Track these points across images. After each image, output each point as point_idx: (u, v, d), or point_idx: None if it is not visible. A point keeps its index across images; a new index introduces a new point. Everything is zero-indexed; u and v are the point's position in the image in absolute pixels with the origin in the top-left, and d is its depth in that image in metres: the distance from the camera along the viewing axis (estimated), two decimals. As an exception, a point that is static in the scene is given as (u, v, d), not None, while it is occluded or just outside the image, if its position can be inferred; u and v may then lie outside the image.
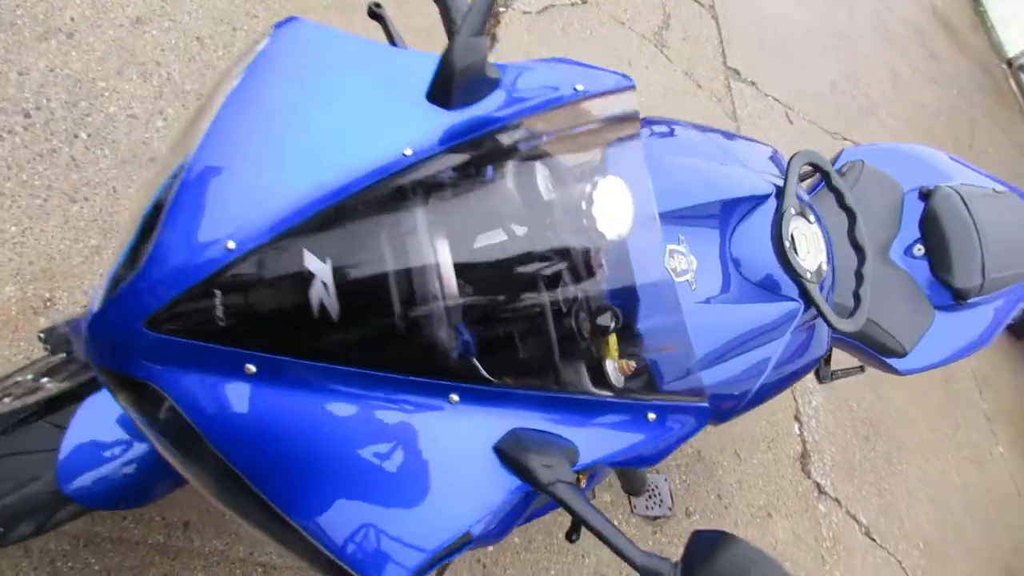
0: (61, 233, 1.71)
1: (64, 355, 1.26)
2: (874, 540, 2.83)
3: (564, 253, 0.88)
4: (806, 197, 1.39)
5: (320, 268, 0.76)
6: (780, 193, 1.23)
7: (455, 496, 0.77)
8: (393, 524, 0.75)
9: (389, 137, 0.83)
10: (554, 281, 0.88)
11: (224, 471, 0.76)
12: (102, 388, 1.01)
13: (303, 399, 0.76)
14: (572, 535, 1.07)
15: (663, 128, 1.35)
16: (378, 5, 1.14)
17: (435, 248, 0.81)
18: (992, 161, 5.31)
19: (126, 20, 2.00)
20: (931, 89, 5.36)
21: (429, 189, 0.83)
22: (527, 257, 0.87)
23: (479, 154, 0.87)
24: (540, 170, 0.89)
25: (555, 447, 0.79)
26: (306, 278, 0.76)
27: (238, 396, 0.76)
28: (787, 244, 1.17)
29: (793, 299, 1.25)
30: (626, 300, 0.91)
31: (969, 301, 1.67)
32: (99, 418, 0.98)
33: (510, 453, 0.77)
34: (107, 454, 0.97)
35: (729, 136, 1.43)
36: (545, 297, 0.86)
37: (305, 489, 0.75)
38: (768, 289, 1.23)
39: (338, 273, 0.76)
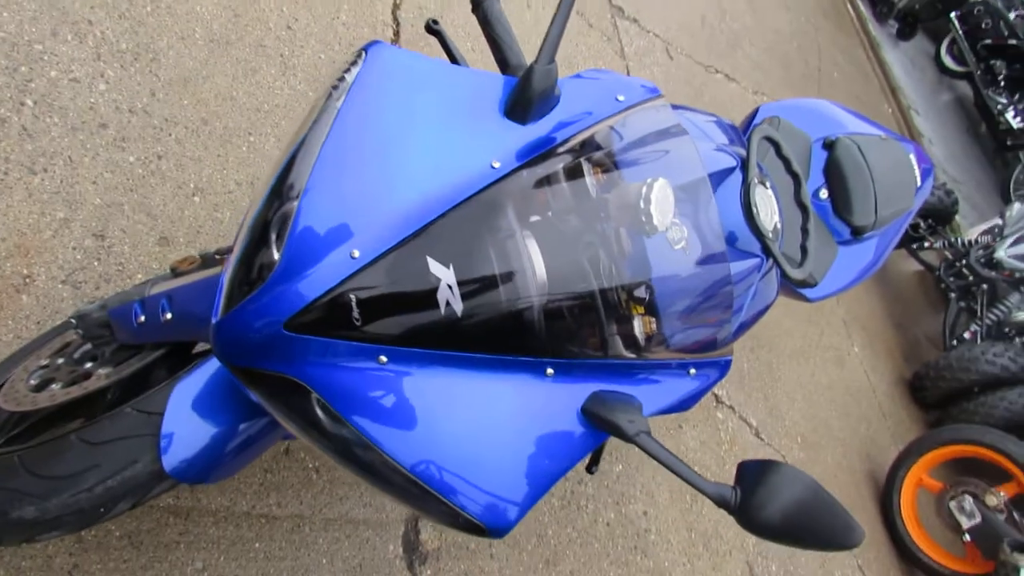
0: (27, 207, 1.70)
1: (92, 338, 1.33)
2: (762, 439, 3.32)
3: (622, 245, 1.07)
4: (762, 166, 1.64)
5: (445, 273, 0.92)
6: (744, 165, 1.47)
7: (552, 451, 0.98)
8: (504, 477, 0.95)
9: (477, 152, 0.99)
10: (613, 268, 1.07)
11: (359, 443, 0.92)
12: (188, 372, 1.12)
13: (428, 381, 0.94)
14: (591, 467, 1.30)
15: None
16: (435, 21, 1.25)
17: (528, 248, 0.98)
18: (837, 83, 5.90)
19: (50, -24, 1.92)
20: (784, 15, 5.82)
21: (518, 196, 0.99)
22: (595, 250, 1.05)
23: (555, 163, 1.04)
24: (606, 174, 1.07)
25: (629, 404, 1.00)
26: (433, 282, 0.92)
27: (374, 383, 0.92)
28: (753, 209, 1.40)
29: (757, 255, 1.51)
30: (681, 281, 1.12)
31: (864, 236, 2.03)
32: (193, 401, 1.10)
33: (597, 412, 0.98)
34: (205, 434, 1.09)
35: (692, 111, 1.65)
36: (609, 281, 1.05)
37: (431, 453, 0.93)
38: (732, 245, 1.49)
39: (460, 276, 0.93)
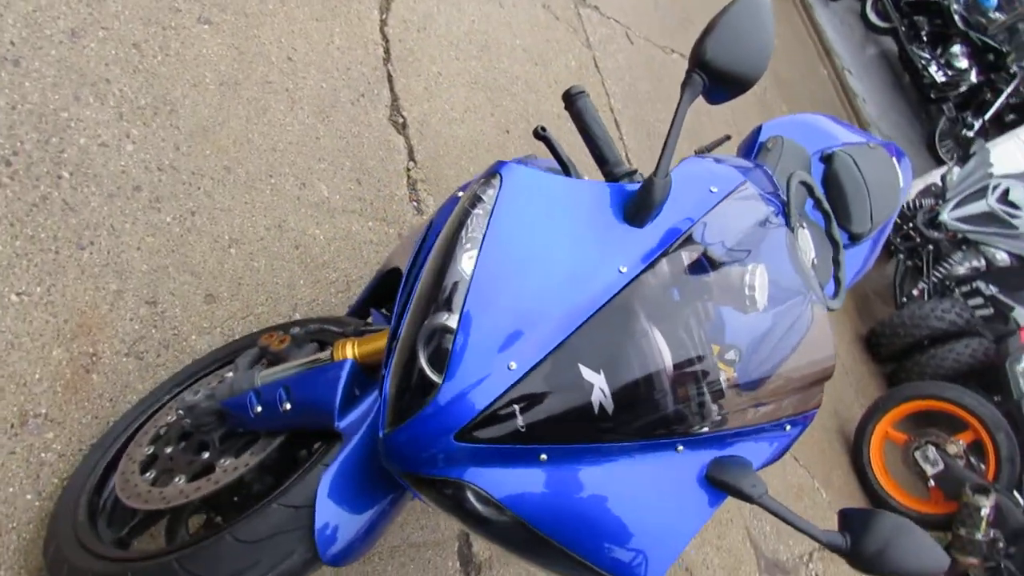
0: (82, 284, 1.70)
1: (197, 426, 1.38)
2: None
3: (727, 325, 1.19)
4: (799, 212, 1.77)
5: (596, 378, 1.03)
6: (785, 211, 1.59)
7: (685, 515, 1.11)
8: (648, 543, 1.07)
9: (605, 260, 1.09)
10: (725, 349, 1.19)
11: (525, 531, 1.03)
12: (328, 462, 1.19)
13: (583, 470, 1.05)
14: None
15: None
16: (544, 129, 1.32)
17: (657, 342, 1.09)
18: (779, 52, 6.10)
19: (63, 35, 1.88)
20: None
21: (645, 296, 1.10)
22: (706, 331, 1.16)
23: (671, 261, 1.13)
24: (711, 263, 1.17)
25: (746, 468, 1.13)
26: (587, 388, 1.02)
27: (536, 479, 1.03)
28: (796, 255, 1.53)
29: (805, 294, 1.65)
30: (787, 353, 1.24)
31: (860, 241, 2.20)
32: (340, 490, 1.18)
33: (721, 479, 1.11)
34: (358, 520, 1.18)
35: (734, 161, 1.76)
36: (724, 361, 1.17)
37: (588, 532, 1.05)
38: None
39: (610, 379, 1.03)
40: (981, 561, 3.49)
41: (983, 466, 3.70)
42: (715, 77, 1.12)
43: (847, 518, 1.12)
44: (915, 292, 4.68)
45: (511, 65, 3.38)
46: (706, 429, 1.13)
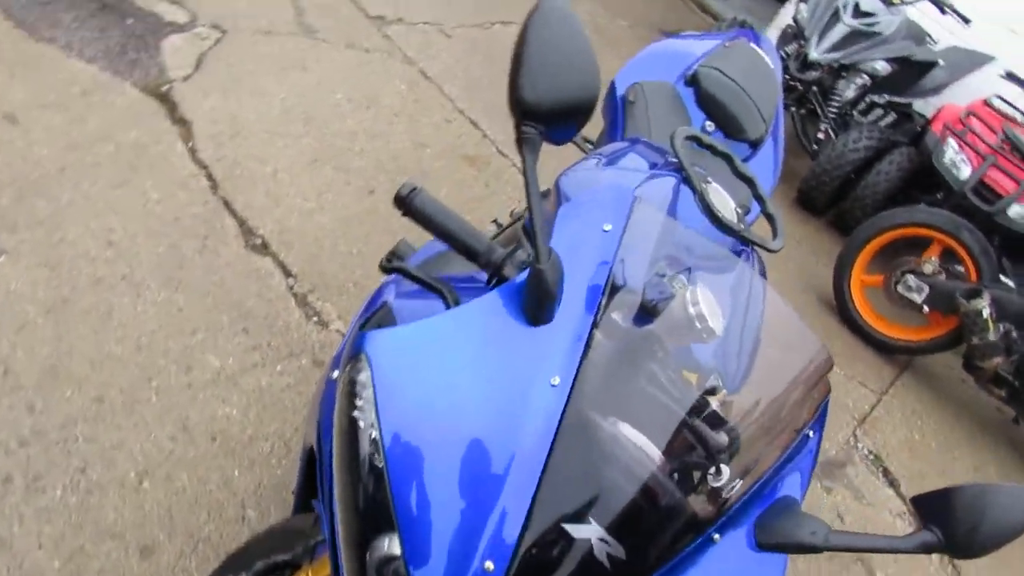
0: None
1: None
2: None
3: (698, 365, 1.00)
4: (698, 166, 1.58)
5: (589, 529, 0.83)
6: (685, 178, 1.41)
7: None
8: None
9: (531, 382, 0.88)
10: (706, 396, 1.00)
11: None
12: None
13: None
14: None
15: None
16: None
17: (632, 439, 0.89)
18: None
19: None
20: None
21: (593, 397, 0.90)
22: (675, 389, 0.97)
23: (602, 340, 0.94)
24: (646, 312, 0.98)
25: (795, 514, 0.96)
26: (584, 546, 0.82)
27: None
28: (717, 212, 1.35)
29: (742, 249, 1.48)
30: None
31: (762, 143, 2.05)
32: None
33: (776, 543, 0.93)
34: None
35: (614, 161, 1.57)
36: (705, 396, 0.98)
37: None
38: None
39: (605, 522, 0.84)
40: (1005, 357, 3.45)
41: (962, 269, 3.65)
42: (548, 120, 0.92)
43: (924, 507, 0.95)
44: (820, 136, 4.61)
45: (343, 123, 3.13)
46: (735, 490, 0.94)
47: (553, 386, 0.88)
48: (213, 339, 2.10)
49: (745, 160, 2.10)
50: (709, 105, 2.06)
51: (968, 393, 4.05)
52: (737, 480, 0.94)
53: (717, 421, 0.98)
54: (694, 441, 0.94)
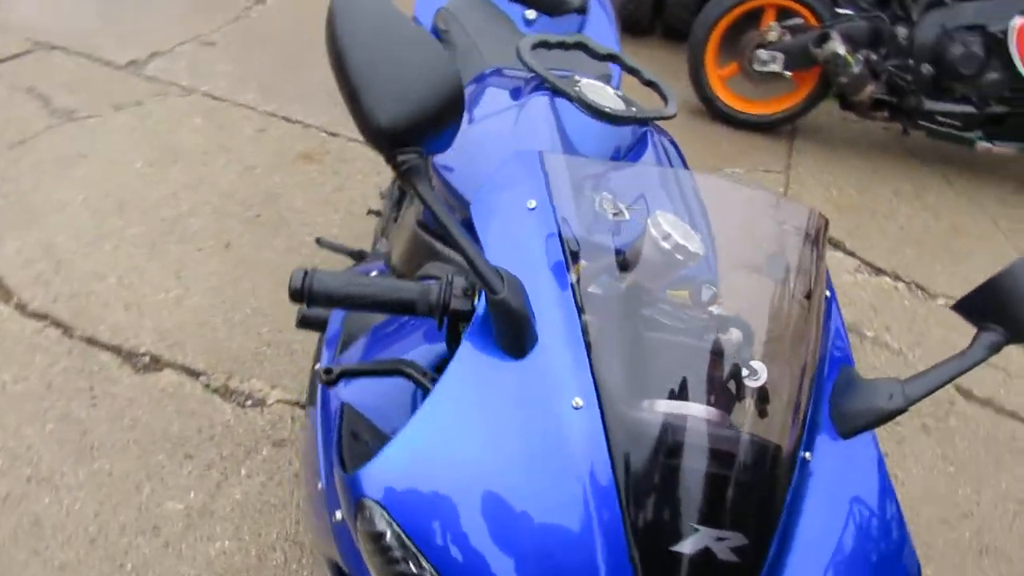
0: None
1: None
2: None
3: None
4: (557, 71, 1.42)
5: (700, 538, 0.71)
6: (553, 89, 1.26)
7: (884, 494, 0.85)
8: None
9: (554, 417, 0.74)
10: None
11: None
12: None
13: None
14: None
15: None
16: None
17: (698, 419, 0.77)
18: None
19: None
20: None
21: (632, 400, 0.77)
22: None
23: (606, 333, 0.80)
24: (633, 263, 0.85)
25: (858, 384, 0.86)
26: (701, 555, 0.71)
27: None
28: (601, 107, 1.22)
29: (643, 128, 1.34)
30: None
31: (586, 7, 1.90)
32: None
33: (857, 424, 0.83)
34: None
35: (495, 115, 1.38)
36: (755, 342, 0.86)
37: None
38: (621, 155, 1.30)
39: (712, 521, 0.72)
40: (874, 82, 3.51)
41: (802, 21, 3.66)
42: (419, 136, 0.73)
43: (971, 310, 0.89)
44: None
45: (157, 190, 2.81)
46: (782, 381, 0.83)
47: (578, 408, 0.75)
48: (162, 485, 1.87)
49: (581, 30, 1.96)
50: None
51: (855, 129, 4.16)
52: (773, 370, 0.83)
53: (724, 323, 0.88)
54: (723, 363, 0.83)
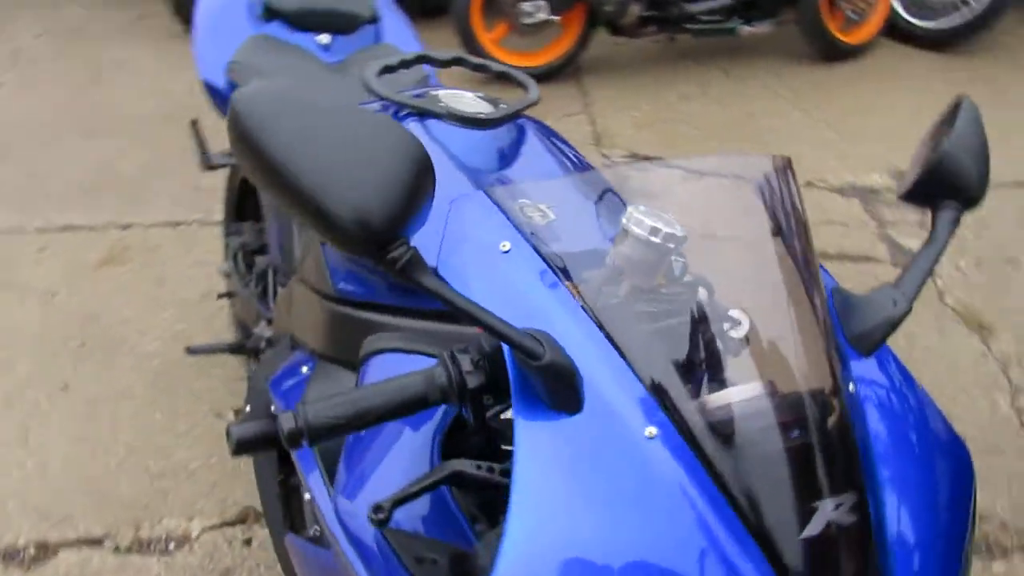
0: None
1: None
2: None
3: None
4: (407, 92, 1.30)
5: (820, 516, 0.68)
6: (411, 110, 1.19)
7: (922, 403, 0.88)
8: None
9: (637, 460, 0.69)
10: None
11: None
12: None
13: None
14: None
15: None
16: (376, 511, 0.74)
17: (756, 399, 0.74)
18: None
19: None
20: None
21: (696, 407, 0.72)
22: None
23: (646, 350, 0.75)
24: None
25: (852, 301, 0.88)
26: (828, 529, 0.68)
27: None
28: (474, 116, 1.15)
29: (518, 121, 1.28)
30: None
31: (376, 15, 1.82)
32: None
33: (874, 339, 0.84)
34: None
35: None
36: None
37: None
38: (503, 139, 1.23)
39: (821, 493, 0.70)
40: (635, 1, 3.68)
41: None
42: (399, 225, 0.63)
43: (917, 194, 0.92)
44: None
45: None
46: (765, 328, 0.82)
47: (652, 438, 0.69)
48: None
49: (380, 38, 1.85)
50: (309, 21, 1.75)
51: (630, 51, 4.35)
52: (753, 319, 0.82)
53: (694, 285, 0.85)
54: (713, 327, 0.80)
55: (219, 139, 2.16)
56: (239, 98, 0.61)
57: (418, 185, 0.62)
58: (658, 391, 0.72)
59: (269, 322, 1.73)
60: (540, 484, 0.68)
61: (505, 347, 0.72)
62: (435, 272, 0.67)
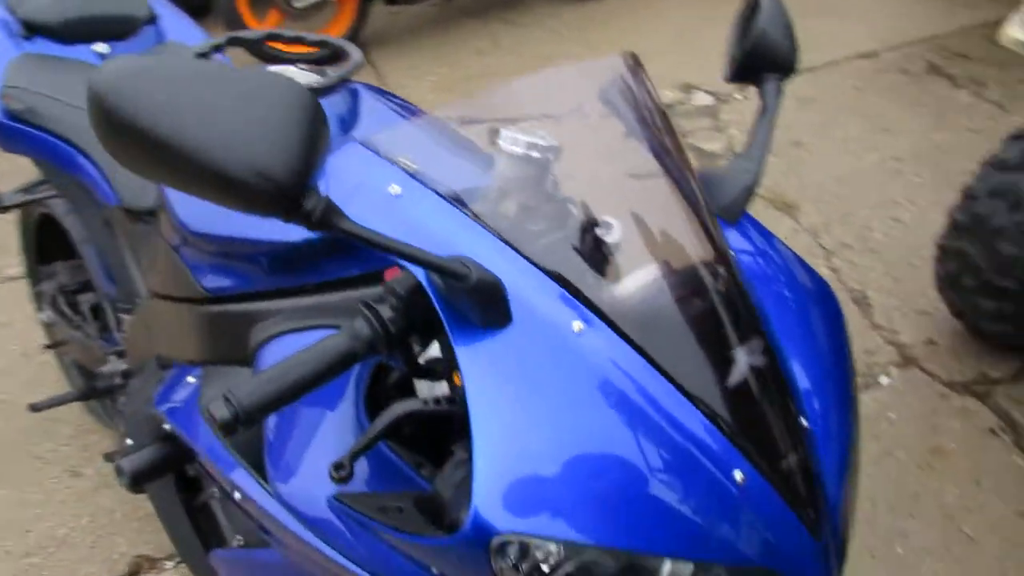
0: None
1: None
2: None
3: None
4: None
5: (740, 359, 0.75)
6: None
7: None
8: None
9: (574, 351, 0.72)
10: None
11: None
12: None
13: None
14: None
15: None
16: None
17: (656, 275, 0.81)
18: None
19: None
20: None
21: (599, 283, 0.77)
22: None
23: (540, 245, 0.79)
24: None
25: (708, 176, 0.97)
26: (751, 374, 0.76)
27: None
28: (310, 87, 1.11)
29: (351, 86, 1.23)
30: None
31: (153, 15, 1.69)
32: None
33: (736, 209, 0.96)
34: None
35: None
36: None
37: None
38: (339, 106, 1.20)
39: (734, 342, 0.78)
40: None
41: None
42: (313, 174, 0.61)
43: (737, 71, 1.02)
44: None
45: None
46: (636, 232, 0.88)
47: (580, 332, 0.73)
48: None
49: (162, 38, 1.73)
50: (79, 31, 1.58)
51: (413, 17, 4.33)
52: (637, 211, 0.88)
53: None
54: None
55: (8, 177, 1.93)
56: (98, 80, 0.56)
57: (315, 132, 0.60)
58: (573, 290, 0.75)
59: (119, 355, 1.61)
60: (494, 398, 0.69)
61: (426, 282, 0.72)
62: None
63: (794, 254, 1.00)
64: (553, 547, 0.65)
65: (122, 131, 0.56)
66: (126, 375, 1.56)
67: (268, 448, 0.90)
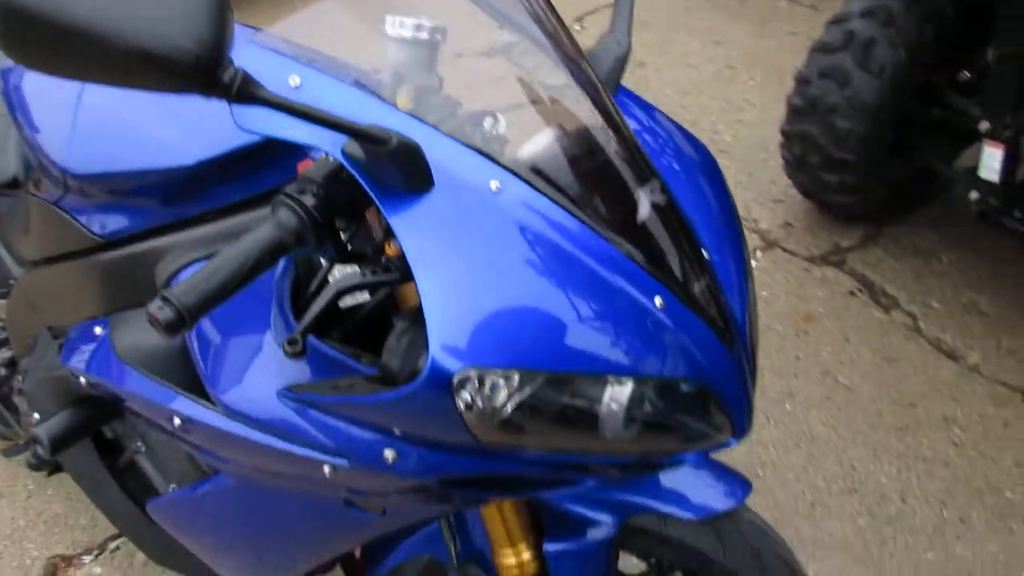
0: None
1: None
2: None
3: None
4: None
5: (643, 198, 0.81)
6: None
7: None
8: None
9: (496, 208, 0.75)
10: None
11: None
12: None
13: None
14: None
15: None
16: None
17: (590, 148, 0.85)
18: None
19: None
20: None
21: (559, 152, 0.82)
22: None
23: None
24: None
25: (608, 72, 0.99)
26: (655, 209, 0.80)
27: None
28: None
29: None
30: None
31: None
32: None
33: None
34: None
35: None
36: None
37: None
38: None
39: (638, 183, 0.83)
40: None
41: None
42: (224, 43, 0.59)
43: None
44: None
45: None
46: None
47: (498, 191, 0.74)
48: None
49: None
50: None
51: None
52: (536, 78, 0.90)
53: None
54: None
55: None
56: None
57: (221, 1, 0.57)
58: (484, 154, 0.76)
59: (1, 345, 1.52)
60: (432, 254, 0.71)
61: (344, 159, 0.72)
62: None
63: (676, 124, 1.05)
64: (506, 377, 0.68)
65: (30, 27, 0.53)
66: (11, 363, 1.48)
67: (204, 367, 0.90)
